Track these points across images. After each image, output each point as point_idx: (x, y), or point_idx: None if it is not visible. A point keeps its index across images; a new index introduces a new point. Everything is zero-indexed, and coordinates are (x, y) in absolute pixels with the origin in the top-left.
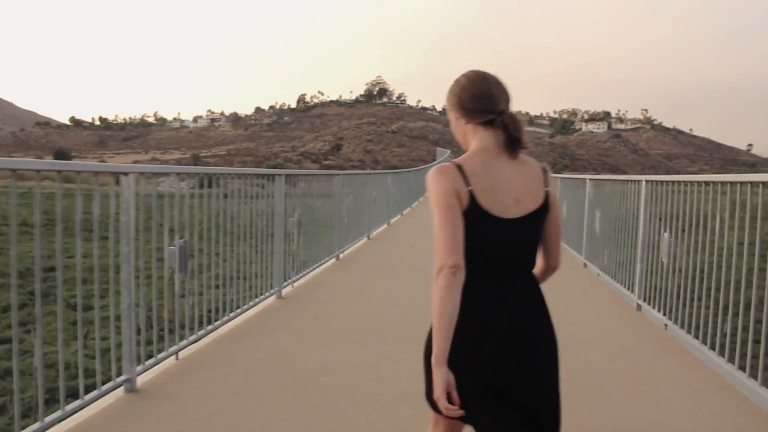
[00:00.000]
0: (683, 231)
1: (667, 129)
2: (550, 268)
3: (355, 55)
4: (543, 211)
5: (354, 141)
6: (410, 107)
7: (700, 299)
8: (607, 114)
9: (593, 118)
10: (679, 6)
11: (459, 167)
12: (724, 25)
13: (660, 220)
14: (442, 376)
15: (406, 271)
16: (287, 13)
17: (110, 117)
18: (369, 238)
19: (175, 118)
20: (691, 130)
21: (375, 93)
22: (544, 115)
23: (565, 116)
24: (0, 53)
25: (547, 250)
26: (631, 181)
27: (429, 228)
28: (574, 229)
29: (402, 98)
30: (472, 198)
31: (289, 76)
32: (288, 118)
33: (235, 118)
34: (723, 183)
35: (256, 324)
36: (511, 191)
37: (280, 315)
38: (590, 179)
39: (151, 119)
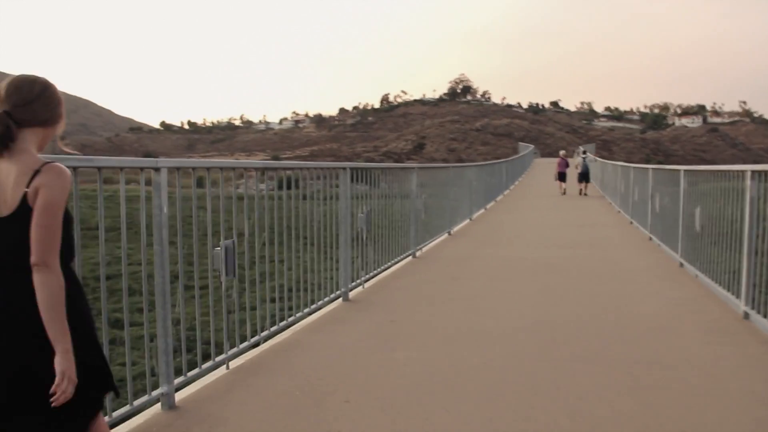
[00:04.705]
0: None
1: None
2: (32, 265)
3: (439, 53)
4: (23, 210)
5: (437, 140)
6: (495, 104)
7: None
8: (702, 107)
9: (687, 111)
10: None
11: None
12: None
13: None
14: None
15: (488, 268)
16: (369, 12)
17: (198, 121)
18: (450, 234)
19: (260, 121)
20: None
21: (459, 91)
22: (634, 110)
23: (656, 111)
24: (100, 64)
25: None
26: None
27: (510, 222)
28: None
29: (486, 96)
30: None
31: (373, 77)
32: (371, 118)
33: (319, 119)
34: None
35: (316, 329)
36: (1, 191)
37: (346, 319)
38: (652, 168)
39: (237, 122)
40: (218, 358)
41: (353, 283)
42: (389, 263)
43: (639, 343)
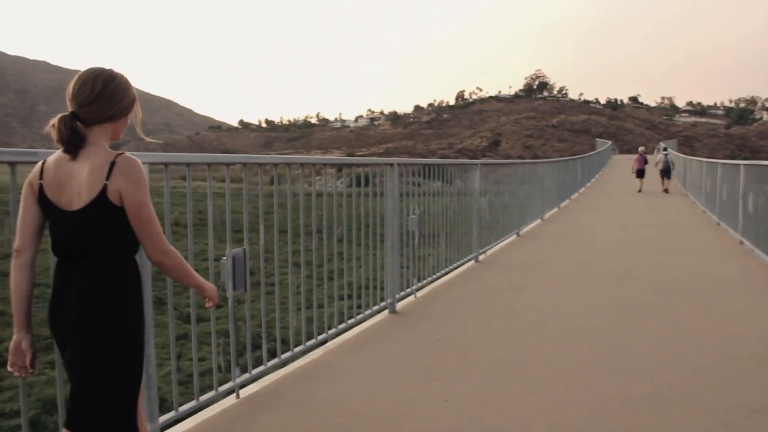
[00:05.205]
0: None
1: None
2: (152, 263)
3: (514, 49)
4: (100, 203)
5: (513, 136)
6: (572, 101)
7: None
8: None
9: None
10: None
11: (45, 161)
12: None
13: None
14: (13, 339)
15: (558, 276)
16: (444, 10)
17: (276, 119)
18: (518, 236)
19: (336, 119)
20: None
21: (535, 87)
22: (718, 104)
23: (742, 105)
24: (181, 66)
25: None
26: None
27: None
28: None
29: (563, 91)
30: (41, 190)
31: (448, 73)
32: (446, 115)
33: (394, 117)
34: None
35: (352, 349)
36: (74, 185)
37: (387, 337)
38: (744, 165)
39: (313, 120)
40: (223, 387)
41: (402, 293)
42: (447, 268)
43: (736, 380)
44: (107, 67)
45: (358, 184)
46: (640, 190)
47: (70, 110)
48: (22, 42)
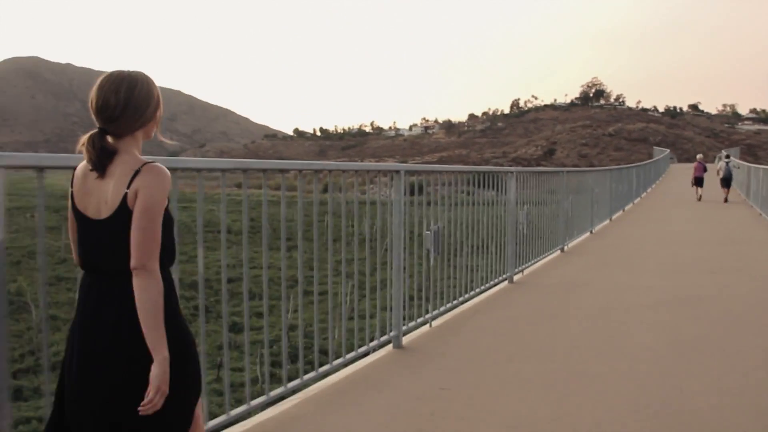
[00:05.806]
0: None
1: None
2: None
3: (570, 57)
4: (122, 212)
5: (568, 145)
6: (629, 109)
7: None
8: None
9: None
10: None
11: (75, 169)
12: None
13: None
14: None
15: (602, 302)
16: (498, 17)
17: (330, 128)
18: (563, 251)
19: (390, 127)
20: None
21: (591, 95)
22: None
23: None
24: (238, 75)
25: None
26: None
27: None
28: None
29: (620, 99)
30: (72, 199)
31: (503, 82)
32: (501, 124)
33: (448, 126)
34: None
35: (333, 399)
36: (101, 193)
37: (379, 383)
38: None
39: (368, 129)
40: None
41: (412, 323)
42: (473, 292)
43: None
44: (125, 70)
45: (411, 193)
46: (699, 199)
47: (97, 125)
48: (89, 54)
